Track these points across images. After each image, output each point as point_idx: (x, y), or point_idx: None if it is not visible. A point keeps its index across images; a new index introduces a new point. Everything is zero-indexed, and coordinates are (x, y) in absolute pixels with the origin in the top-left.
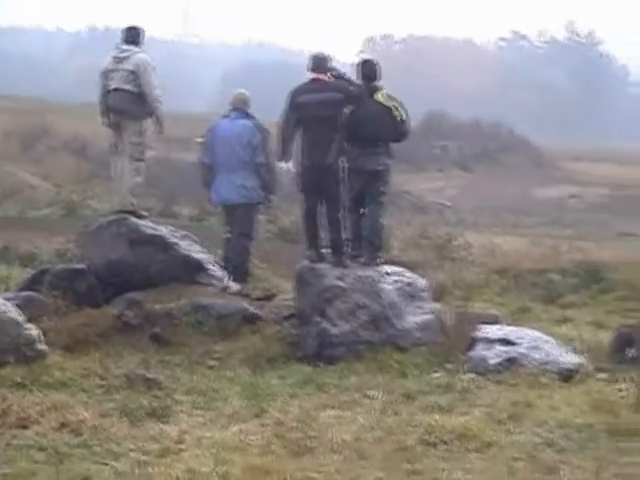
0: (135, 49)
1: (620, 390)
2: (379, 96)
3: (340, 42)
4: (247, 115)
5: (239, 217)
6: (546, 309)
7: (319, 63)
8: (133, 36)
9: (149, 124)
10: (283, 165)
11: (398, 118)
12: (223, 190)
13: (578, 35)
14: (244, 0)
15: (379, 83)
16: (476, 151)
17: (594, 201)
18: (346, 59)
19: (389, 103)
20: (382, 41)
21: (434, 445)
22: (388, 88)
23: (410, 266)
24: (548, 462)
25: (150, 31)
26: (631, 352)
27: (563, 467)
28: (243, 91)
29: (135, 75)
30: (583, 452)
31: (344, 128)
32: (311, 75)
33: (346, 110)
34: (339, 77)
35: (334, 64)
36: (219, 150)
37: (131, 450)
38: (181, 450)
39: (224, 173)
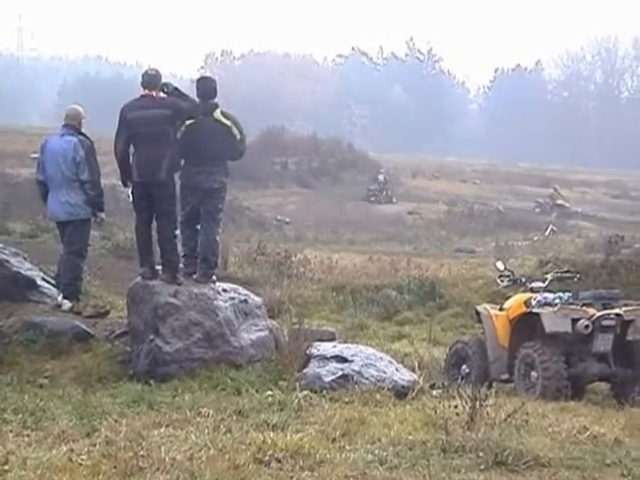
0: None
1: (454, 407)
2: (216, 114)
3: (181, 57)
4: (75, 131)
5: (68, 234)
6: (382, 325)
7: (150, 80)
8: None
9: None
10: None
11: (236, 137)
12: (52, 207)
13: (418, 52)
14: (83, 14)
15: (216, 100)
16: (316, 167)
17: (432, 217)
18: (187, 75)
19: (226, 121)
20: (222, 57)
21: (267, 463)
22: (227, 104)
23: (247, 283)
24: (379, 479)
25: None
26: (465, 368)
27: None
28: (75, 107)
29: None
30: (415, 469)
31: (180, 145)
32: (143, 91)
33: (182, 127)
34: (172, 93)
35: (173, 80)
36: (48, 166)
37: None
38: (5, 471)
39: (53, 189)
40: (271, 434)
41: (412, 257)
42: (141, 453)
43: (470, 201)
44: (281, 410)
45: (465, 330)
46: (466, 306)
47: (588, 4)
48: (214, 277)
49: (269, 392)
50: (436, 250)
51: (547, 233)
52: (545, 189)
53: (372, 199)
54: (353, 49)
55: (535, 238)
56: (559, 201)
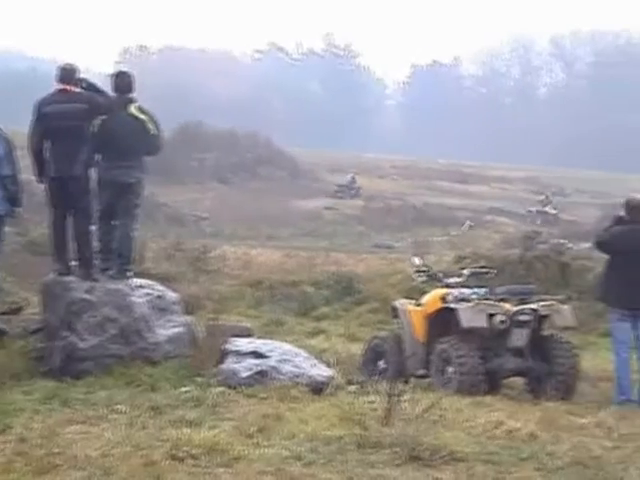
0: None
1: (370, 402)
2: (132, 109)
3: (97, 52)
4: None
5: None
6: (300, 321)
7: (66, 74)
8: None
9: None
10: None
11: (151, 132)
12: None
13: (336, 47)
14: None
15: (133, 95)
16: (233, 162)
17: (350, 213)
18: (102, 70)
19: (142, 116)
20: (138, 52)
21: (182, 460)
22: (144, 99)
23: (163, 279)
24: (295, 475)
25: None
26: (382, 364)
27: None
28: None
29: None
30: (331, 465)
31: (96, 140)
32: (58, 86)
33: (97, 121)
34: (88, 88)
35: (88, 75)
36: None
37: None
38: None
39: None
40: (187, 430)
41: (330, 253)
42: (55, 450)
43: (388, 197)
44: (197, 406)
45: (382, 326)
46: (383, 302)
47: (505, 0)
48: (130, 273)
49: (185, 388)
50: (354, 246)
51: (464, 229)
52: (462, 185)
53: (339, 195)
54: (271, 44)
55: (453, 234)
56: (546, 207)
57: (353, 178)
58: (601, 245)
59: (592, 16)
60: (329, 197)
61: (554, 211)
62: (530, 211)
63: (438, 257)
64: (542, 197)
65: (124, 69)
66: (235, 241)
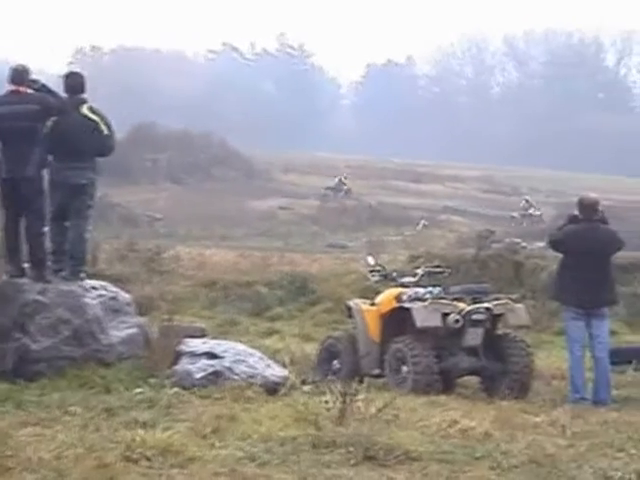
0: None
1: (324, 402)
2: (84, 109)
3: (49, 53)
4: None
5: None
6: (254, 322)
7: (18, 75)
8: None
9: None
10: None
11: (103, 132)
12: None
13: (290, 47)
14: None
15: (84, 96)
16: (187, 163)
17: (305, 213)
18: (55, 70)
19: (94, 117)
20: (91, 52)
21: (136, 461)
22: (97, 100)
23: (116, 280)
24: (249, 476)
25: None
26: (336, 364)
27: None
28: None
29: None
30: (285, 465)
31: (48, 141)
32: (10, 87)
33: (49, 123)
34: (40, 89)
35: (41, 76)
36: None
37: None
38: None
39: None
40: (140, 432)
41: (284, 253)
42: (8, 453)
43: (343, 196)
44: (151, 407)
45: (337, 325)
46: (338, 301)
47: (459, 0)
48: (83, 274)
49: (139, 389)
50: (308, 245)
51: (419, 228)
52: (416, 184)
53: (326, 197)
54: (224, 44)
55: (407, 233)
56: (530, 210)
57: (341, 180)
58: (554, 244)
59: (545, 16)
60: (284, 197)
61: (538, 212)
62: (514, 217)
63: (392, 256)
64: (522, 203)
65: (75, 70)
66: (189, 242)
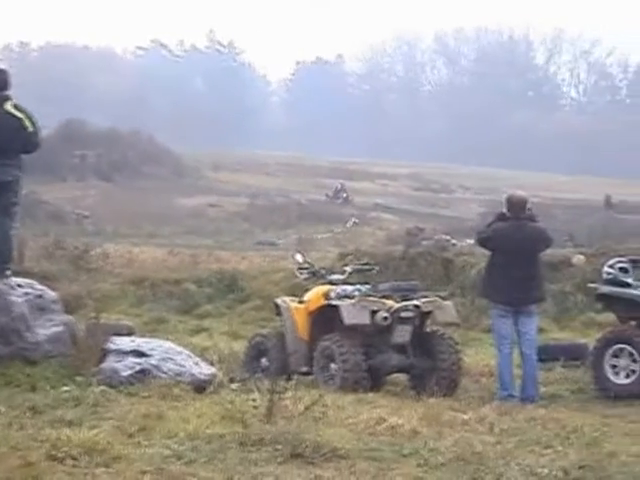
0: None
1: (252, 400)
2: (8, 106)
3: None
4: None
5: None
6: (182, 319)
7: None
8: None
9: None
10: None
11: (28, 129)
12: None
13: (219, 44)
14: None
15: (9, 93)
16: (116, 160)
17: (235, 210)
18: None
19: (19, 114)
20: (19, 49)
21: (61, 460)
22: (24, 96)
23: (43, 277)
24: (176, 474)
25: None
26: (264, 361)
27: (191, 479)
28: None
29: None
30: (212, 463)
31: None
32: None
33: None
34: None
35: None
36: None
37: None
38: None
39: None
40: (66, 430)
41: (213, 250)
42: None
43: (273, 194)
44: (77, 406)
45: (265, 323)
46: (266, 299)
47: None
48: (9, 272)
49: (65, 388)
50: (238, 243)
51: (349, 225)
52: (347, 182)
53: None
54: (153, 41)
55: (337, 230)
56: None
57: (342, 185)
58: (483, 241)
59: (476, 13)
60: (214, 194)
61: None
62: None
63: (322, 254)
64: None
65: (0, 66)
66: (117, 239)
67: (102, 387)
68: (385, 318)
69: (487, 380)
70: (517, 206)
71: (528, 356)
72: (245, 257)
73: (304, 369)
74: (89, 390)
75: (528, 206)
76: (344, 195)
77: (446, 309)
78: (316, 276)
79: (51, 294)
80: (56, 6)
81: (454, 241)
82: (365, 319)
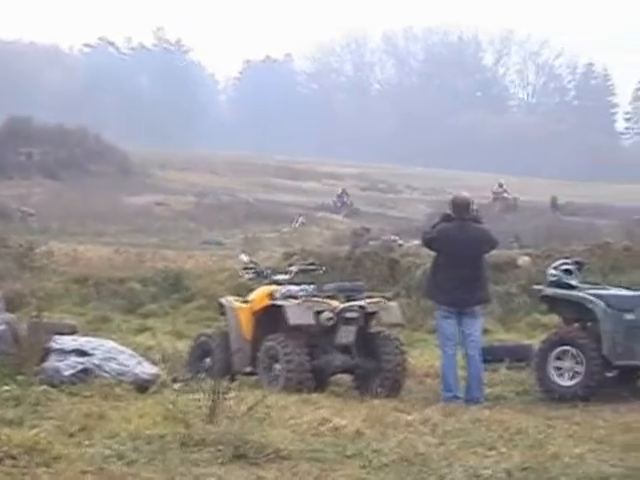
0: None
1: (195, 400)
2: None
3: None
4: None
5: None
6: (126, 318)
7: None
8: None
9: None
10: None
11: None
12: None
13: (167, 42)
14: None
15: None
16: (62, 157)
17: (181, 209)
18: None
19: None
20: None
21: (0, 460)
22: None
23: None
24: (116, 474)
25: None
26: (208, 361)
27: (131, 479)
28: None
29: None
30: (153, 464)
31: None
32: None
33: None
34: None
35: None
36: None
37: None
38: None
39: None
40: (6, 430)
41: (159, 249)
42: None
43: (220, 193)
44: (17, 405)
45: (210, 323)
46: (211, 298)
47: None
48: None
49: (5, 387)
50: (184, 242)
51: (296, 225)
52: (294, 181)
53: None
54: (100, 39)
55: (284, 230)
56: (505, 194)
57: (343, 190)
58: (427, 242)
59: (424, 13)
60: (160, 193)
61: (511, 196)
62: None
63: (268, 254)
64: (496, 186)
65: None
66: (63, 237)
67: (44, 386)
68: (330, 319)
69: (432, 381)
70: (461, 207)
71: (472, 357)
72: (191, 256)
73: (248, 369)
74: (30, 389)
75: (473, 207)
76: (344, 200)
77: (391, 310)
78: (261, 276)
79: None
80: (1, 1)
81: (401, 242)
82: (310, 319)
